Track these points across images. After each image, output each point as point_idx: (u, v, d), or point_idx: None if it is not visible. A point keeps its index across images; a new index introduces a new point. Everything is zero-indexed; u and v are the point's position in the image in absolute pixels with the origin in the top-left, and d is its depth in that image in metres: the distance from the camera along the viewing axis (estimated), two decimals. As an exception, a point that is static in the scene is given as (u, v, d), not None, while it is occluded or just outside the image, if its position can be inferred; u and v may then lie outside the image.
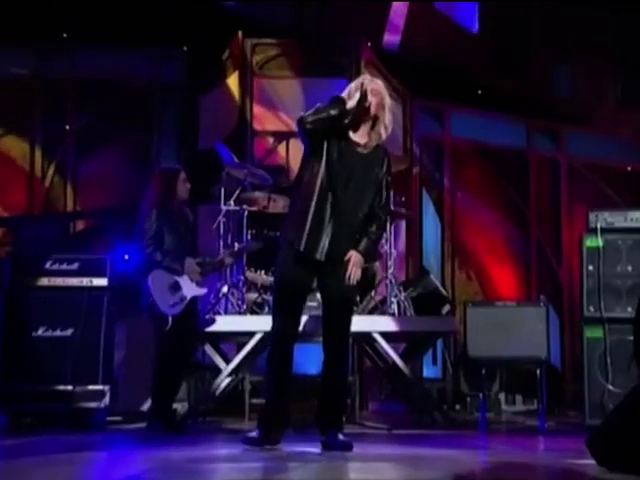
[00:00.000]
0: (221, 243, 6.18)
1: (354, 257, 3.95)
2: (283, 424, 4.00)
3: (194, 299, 5.26)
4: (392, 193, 4.08)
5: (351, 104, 3.92)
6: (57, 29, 7.43)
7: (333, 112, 3.89)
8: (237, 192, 6.23)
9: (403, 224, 7.86)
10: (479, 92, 8.82)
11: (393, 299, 5.95)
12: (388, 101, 4.04)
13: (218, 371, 5.93)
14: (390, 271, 6.03)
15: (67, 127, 7.56)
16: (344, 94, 4.00)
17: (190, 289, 5.18)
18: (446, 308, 6.28)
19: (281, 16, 8.01)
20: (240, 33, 7.63)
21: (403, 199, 6.95)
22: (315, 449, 4.00)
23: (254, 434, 3.95)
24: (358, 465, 3.66)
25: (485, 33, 8.74)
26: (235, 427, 5.39)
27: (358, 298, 6.01)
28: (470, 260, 8.64)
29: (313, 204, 3.87)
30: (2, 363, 5.50)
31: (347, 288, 3.96)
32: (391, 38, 8.25)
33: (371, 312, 6.05)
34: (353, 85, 4.03)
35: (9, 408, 5.49)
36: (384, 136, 4.03)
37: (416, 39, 8.29)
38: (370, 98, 3.93)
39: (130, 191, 7.10)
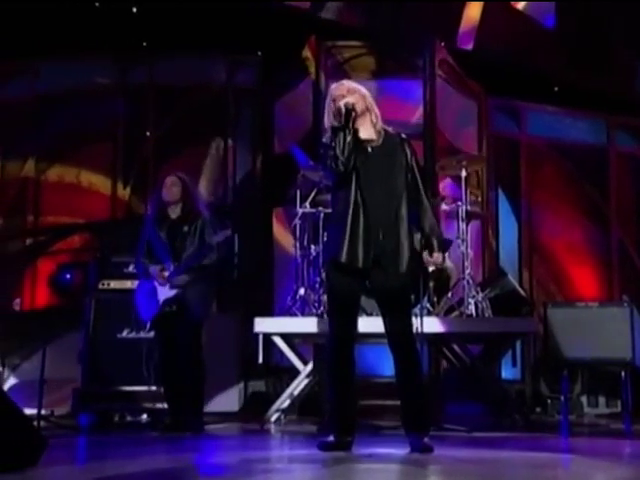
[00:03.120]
0: (297, 245, 6.24)
1: (435, 258, 4.04)
2: (351, 427, 4.00)
3: (182, 302, 5.26)
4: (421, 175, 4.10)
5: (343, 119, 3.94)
6: (137, 38, 7.63)
7: (348, 138, 3.91)
8: (313, 194, 6.28)
9: (479, 224, 7.78)
10: (555, 89, 8.65)
11: (470, 300, 5.89)
12: (364, 93, 4.06)
13: (296, 372, 5.99)
14: (467, 272, 5.98)
15: (148, 133, 7.74)
16: (329, 115, 4.04)
17: (162, 292, 5.28)
18: (525, 309, 6.19)
19: (354, 18, 8.02)
20: (314, 36, 7.68)
21: (479, 199, 6.88)
22: (394, 450, 4.00)
23: (330, 438, 3.98)
24: (437, 467, 3.63)
25: (561, 29, 8.58)
26: (312, 429, 5.43)
27: (435, 299, 6.00)
28: (548, 260, 8.48)
29: (349, 218, 3.92)
30: (90, 364, 5.70)
31: (397, 277, 3.94)
32: (466, 36, 8.17)
33: (448, 313, 6.01)
34: (328, 106, 4.07)
35: (97, 408, 5.67)
36: (379, 125, 4.06)
37: (491, 36, 8.19)
38: (351, 102, 3.95)
39: (207, 195, 7.24)
